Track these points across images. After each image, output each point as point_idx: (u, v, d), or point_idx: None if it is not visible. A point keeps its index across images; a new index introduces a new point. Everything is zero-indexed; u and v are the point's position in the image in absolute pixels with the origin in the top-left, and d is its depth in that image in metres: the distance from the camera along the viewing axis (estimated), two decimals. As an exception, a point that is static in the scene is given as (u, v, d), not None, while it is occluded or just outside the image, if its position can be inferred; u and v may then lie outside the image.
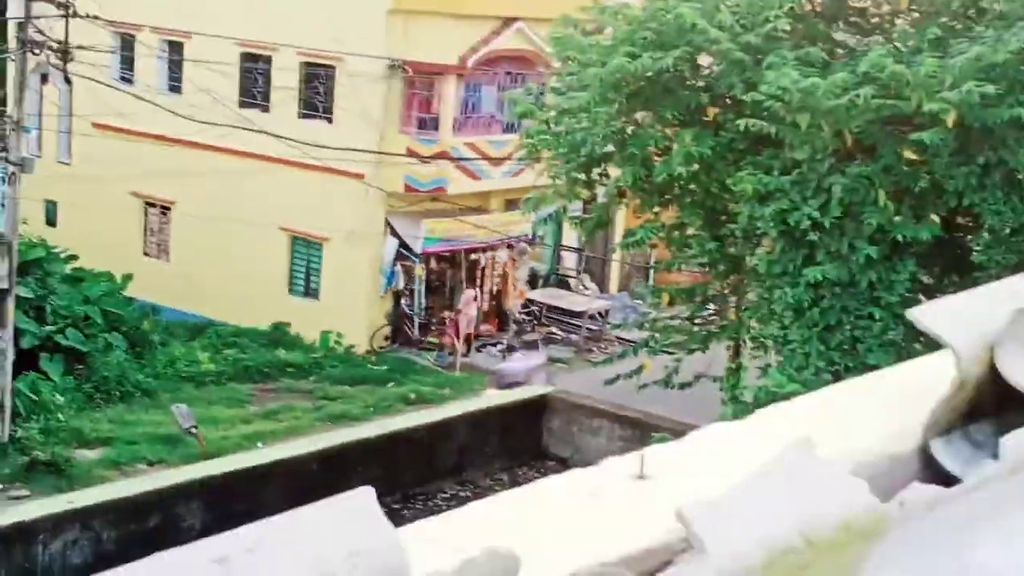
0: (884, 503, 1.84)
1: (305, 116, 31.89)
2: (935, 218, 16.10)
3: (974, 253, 16.90)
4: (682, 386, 20.12)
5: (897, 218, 15.97)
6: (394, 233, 31.61)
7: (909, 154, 15.83)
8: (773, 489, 1.74)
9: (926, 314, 2.22)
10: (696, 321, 20.99)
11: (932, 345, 2.38)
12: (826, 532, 1.72)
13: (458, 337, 31.33)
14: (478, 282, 33.28)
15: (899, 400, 2.47)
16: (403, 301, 32.17)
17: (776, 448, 1.87)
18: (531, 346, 18.01)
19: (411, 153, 31.16)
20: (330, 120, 31.61)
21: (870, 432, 2.31)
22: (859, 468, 2.09)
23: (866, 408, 2.49)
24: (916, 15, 17.37)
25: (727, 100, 17.90)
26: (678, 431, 15.56)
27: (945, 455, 2.27)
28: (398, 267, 31.74)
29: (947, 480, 2.14)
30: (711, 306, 21.35)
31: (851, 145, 16.10)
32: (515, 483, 15.88)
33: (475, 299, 32.08)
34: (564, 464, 16.65)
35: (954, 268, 17.31)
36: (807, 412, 2.43)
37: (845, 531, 1.75)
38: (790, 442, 1.86)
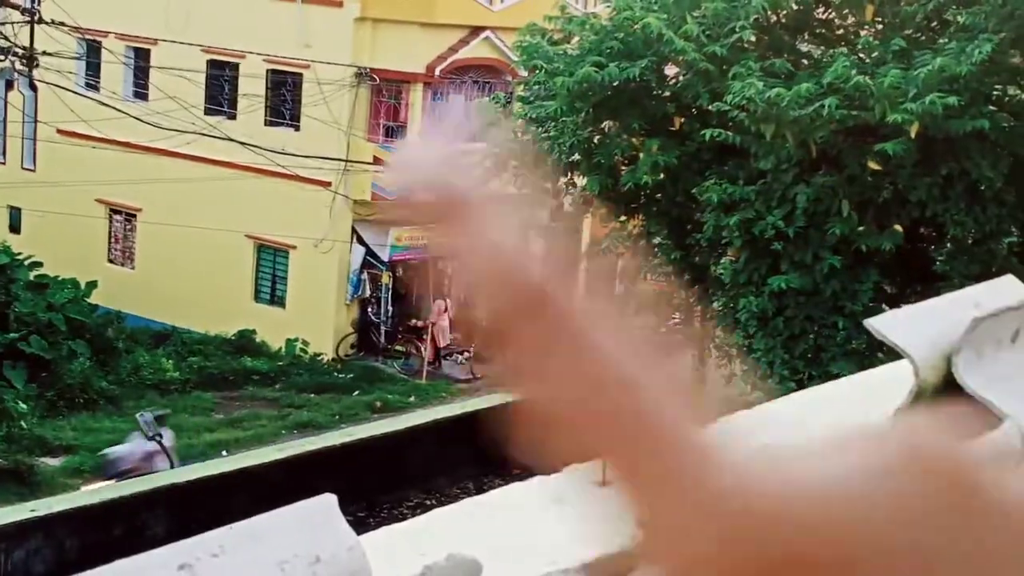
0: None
1: (272, 123, 31.82)
2: (898, 228, 16.22)
3: (937, 263, 17.04)
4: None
5: (861, 228, 16.09)
6: (361, 241, 31.57)
7: (873, 165, 15.95)
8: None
9: (884, 323, 2.25)
10: (661, 330, 21.05)
11: (895, 355, 2.41)
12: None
13: (433, 346, 31.30)
14: (445, 291, 33.26)
15: (859, 408, 2.50)
16: (369, 309, 32.12)
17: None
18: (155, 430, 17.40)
19: (378, 161, 31.11)
20: (297, 128, 31.55)
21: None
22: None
23: (826, 415, 2.52)
24: (880, 27, 17.50)
25: (693, 110, 17.99)
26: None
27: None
28: (365, 275, 31.71)
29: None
30: (676, 315, 21.42)
31: (815, 155, 16.21)
32: (482, 492, 15.90)
33: (445, 310, 32.06)
34: (531, 473, 16.70)
35: (917, 278, 17.44)
36: (768, 420, 2.46)
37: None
38: (749, 449, 1.89)
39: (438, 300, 32.10)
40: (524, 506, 1.89)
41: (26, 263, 28.38)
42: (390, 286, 32.04)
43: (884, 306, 16.35)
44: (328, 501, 1.36)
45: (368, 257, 31.60)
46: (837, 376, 15.37)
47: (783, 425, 2.46)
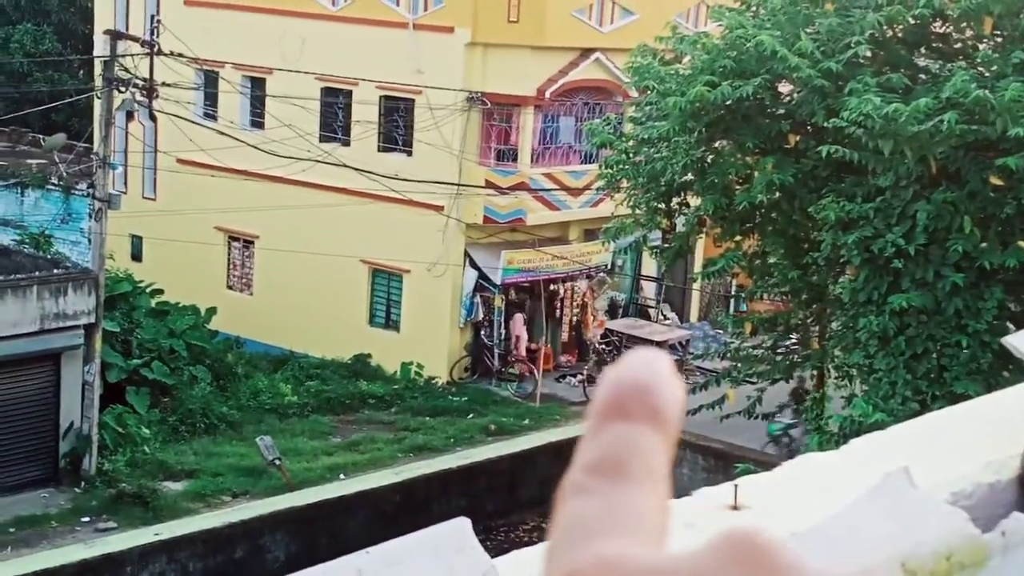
0: (985, 533, 1.81)
1: (385, 149, 32.16)
2: (1022, 244, 15.85)
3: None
4: (765, 416, 19.94)
5: (983, 244, 15.76)
6: (473, 264, 31.72)
7: (995, 180, 15.62)
8: (871, 519, 1.71)
9: (1022, 341, 2.19)
10: (779, 350, 20.81)
11: (1021, 374, 2.34)
12: (927, 563, 1.69)
13: (536, 365, 31.33)
14: (557, 313, 33.26)
15: (995, 429, 2.43)
16: (482, 332, 32.22)
17: (872, 478, 1.84)
18: None
19: (490, 184, 31.28)
20: (409, 153, 31.84)
21: (967, 462, 2.27)
22: (957, 498, 2.05)
23: (962, 438, 2.45)
24: (999, 40, 17.16)
25: (808, 127, 17.79)
26: (761, 462, 15.41)
27: (1046, 485, 2.22)
28: (477, 298, 31.82)
29: (1048, 510, 2.10)
30: (794, 335, 21.16)
31: (935, 171, 15.92)
32: (597, 514, 15.74)
33: (524, 322, 32.11)
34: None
35: (1043, 295, 17.02)
36: (902, 442, 2.39)
37: (946, 561, 1.72)
38: (887, 472, 1.83)
39: (517, 314, 32.08)
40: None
41: (148, 290, 29.00)
42: (503, 309, 32.12)
43: (1009, 324, 15.98)
44: (462, 525, 1.35)
45: (480, 280, 31.73)
46: (962, 396, 15.05)
47: (917, 447, 2.40)
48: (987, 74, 16.37)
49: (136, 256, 35.21)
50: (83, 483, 23.76)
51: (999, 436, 2.42)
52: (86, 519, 22.54)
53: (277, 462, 23.64)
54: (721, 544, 0.55)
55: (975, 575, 1.82)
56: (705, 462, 15.82)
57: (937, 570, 1.72)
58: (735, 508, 1.98)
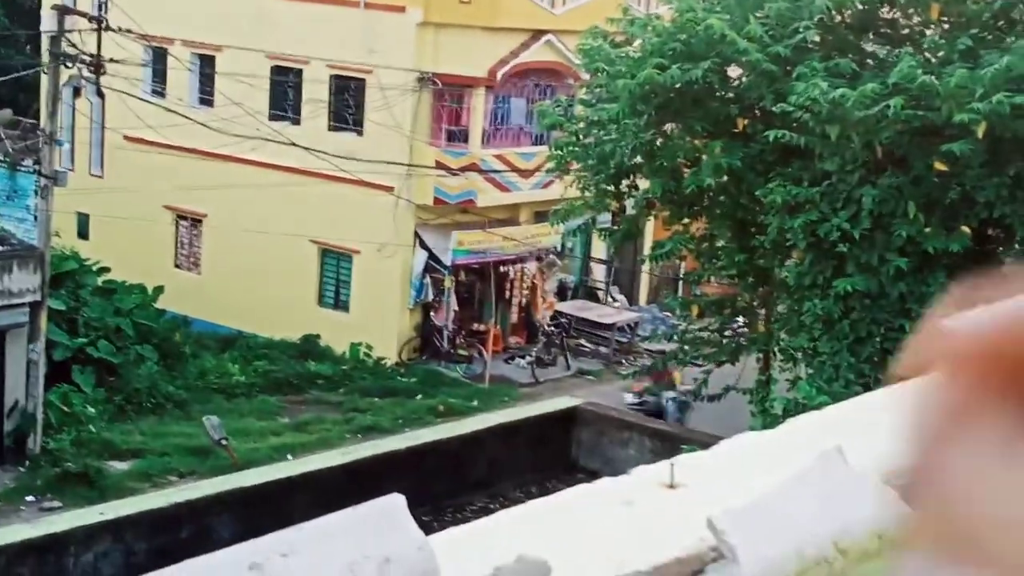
0: (916, 512, 1.84)
1: (335, 129, 32.00)
2: (966, 229, 16.02)
3: (1005, 264, 16.81)
4: (711, 398, 20.07)
5: (927, 230, 15.91)
6: (423, 245, 31.66)
7: (939, 165, 15.77)
8: (804, 498, 1.74)
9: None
10: (725, 333, 20.93)
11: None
12: (859, 540, 1.71)
13: (485, 347, 31.38)
14: (507, 294, 33.29)
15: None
16: (432, 313, 32.20)
17: (807, 457, 1.87)
18: None
19: (440, 165, 31.22)
20: (360, 132, 31.71)
21: (899, 441, 2.31)
22: (888, 477, 2.09)
23: (895, 418, 2.49)
24: (946, 26, 17.30)
25: (756, 111, 17.88)
26: (708, 443, 15.51)
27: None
28: (427, 279, 31.79)
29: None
30: (740, 318, 21.29)
31: (881, 156, 16.04)
32: (545, 495, 15.84)
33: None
34: (594, 476, 16.60)
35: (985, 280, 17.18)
36: (839, 422, 2.43)
37: (878, 539, 1.75)
38: (821, 451, 1.86)
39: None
40: (593, 508, 1.88)
41: (94, 269, 28.74)
42: (453, 290, 32.11)
43: (952, 308, 16.14)
44: (396, 502, 1.36)
45: (431, 261, 31.69)
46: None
47: (853, 427, 2.44)
48: (933, 60, 16.51)
49: (83, 234, 34.85)
50: (27, 462, 23.55)
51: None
52: (30, 498, 22.36)
53: (224, 442, 23.53)
54: None
55: (907, 554, 1.85)
56: (652, 444, 15.88)
57: (869, 548, 1.74)
58: (671, 486, 2.01)
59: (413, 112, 30.99)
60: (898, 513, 1.95)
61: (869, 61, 17.40)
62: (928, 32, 17.54)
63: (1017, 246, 17.06)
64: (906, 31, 18.12)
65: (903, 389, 2.48)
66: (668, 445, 16.10)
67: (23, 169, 28.49)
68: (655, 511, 1.91)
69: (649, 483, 2.00)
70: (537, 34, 32.08)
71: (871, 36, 18.20)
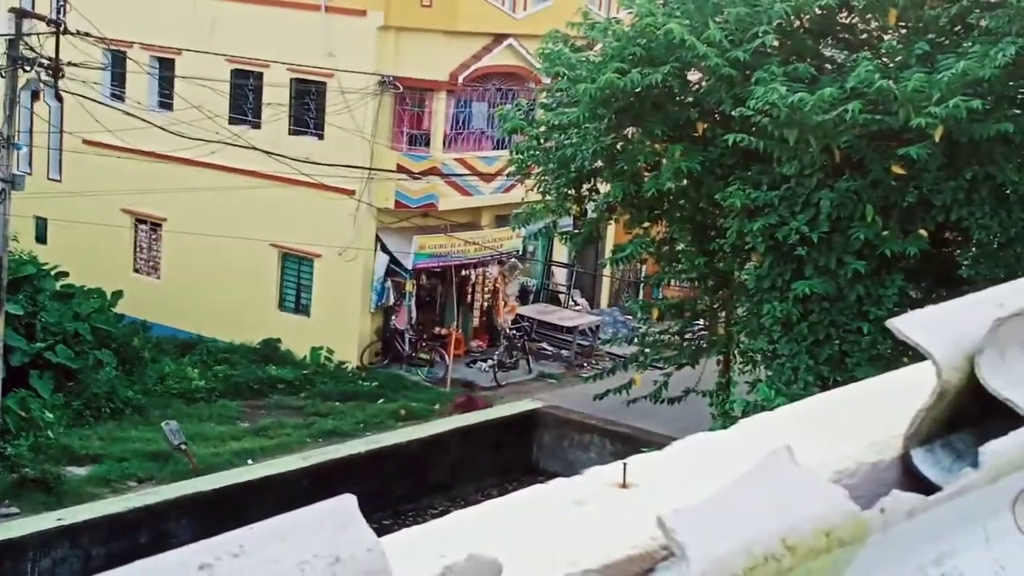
0: (865, 510, 1.86)
1: (296, 132, 31.93)
2: (923, 232, 16.15)
3: (962, 267, 16.97)
4: (671, 401, 20.14)
5: (885, 233, 16.02)
6: (384, 249, 31.63)
7: (897, 169, 15.89)
8: (753, 496, 1.75)
9: (907, 324, 2.24)
10: (685, 336, 21.02)
11: (919, 359, 2.40)
12: (807, 538, 1.73)
13: (447, 350, 31.37)
14: (468, 298, 33.30)
15: (881, 410, 2.49)
16: (393, 317, 32.17)
17: (758, 457, 1.88)
18: None
19: (401, 169, 31.20)
20: (321, 136, 31.66)
21: (851, 441, 2.33)
22: (840, 476, 2.11)
23: (848, 418, 2.51)
24: (904, 31, 17.44)
25: (716, 115, 17.96)
26: (667, 445, 15.58)
27: (926, 464, 2.29)
28: (388, 283, 31.76)
29: (928, 489, 2.16)
30: (700, 321, 21.38)
31: (839, 160, 16.15)
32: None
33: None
34: (554, 478, 16.65)
35: (942, 282, 17.36)
36: (789, 422, 2.45)
37: (825, 537, 1.77)
38: (770, 450, 1.88)
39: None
40: (545, 508, 1.89)
41: (52, 273, 28.56)
42: (414, 294, 32.09)
43: (909, 311, 16.27)
44: (347, 501, 1.37)
45: (392, 265, 31.66)
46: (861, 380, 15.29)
47: (805, 427, 2.46)
48: (891, 65, 16.63)
49: (41, 238, 34.61)
50: (-16, 468, 23.37)
51: (885, 417, 2.48)
52: (-13, 505, 22.19)
53: (183, 447, 23.40)
54: None
55: (854, 551, 1.87)
56: (612, 446, 15.93)
57: (817, 546, 1.76)
58: (623, 486, 2.02)
59: (374, 116, 30.97)
60: (846, 511, 1.97)
61: (827, 66, 17.52)
62: (886, 37, 17.68)
63: (974, 249, 17.21)
64: (864, 36, 18.26)
65: (859, 388, 2.50)
66: (629, 447, 16.18)
67: (-20, 173, 28.20)
68: (607, 510, 1.92)
69: (602, 483, 2.01)
70: (498, 38, 32.13)
71: (830, 41, 18.33)
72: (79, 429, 25.57)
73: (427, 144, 31.75)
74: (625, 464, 1.95)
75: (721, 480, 1.79)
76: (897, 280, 16.20)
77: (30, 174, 30.59)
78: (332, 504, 1.36)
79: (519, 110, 21.16)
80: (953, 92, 14.86)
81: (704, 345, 20.57)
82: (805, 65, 16.51)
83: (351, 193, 30.77)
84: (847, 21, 18.28)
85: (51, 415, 25.18)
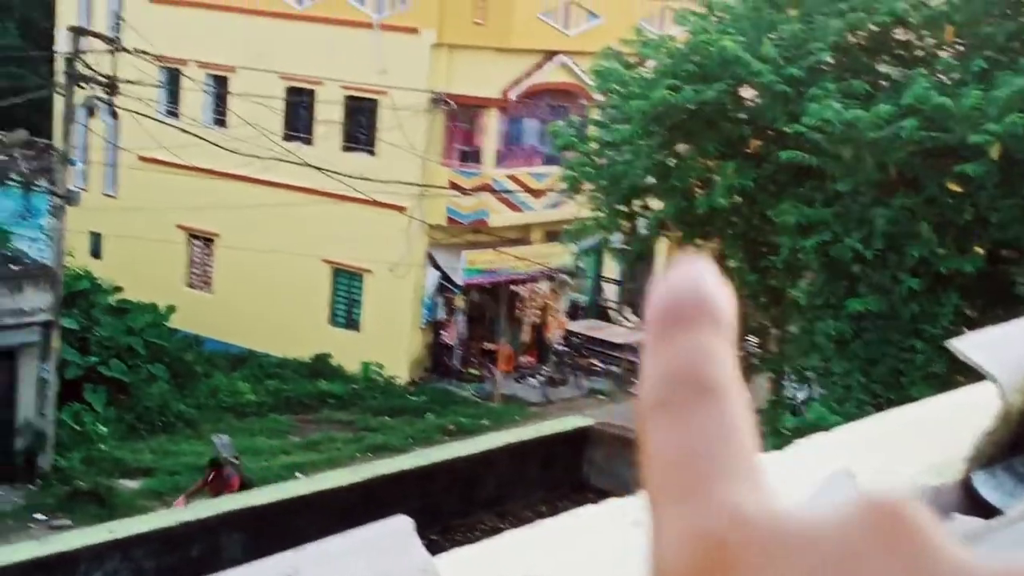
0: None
1: (348, 149, 32.07)
2: (979, 250, 15.98)
3: (1018, 285, 16.76)
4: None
5: (940, 250, 15.87)
6: (435, 265, 31.68)
7: (953, 186, 15.74)
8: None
9: (967, 344, 2.21)
10: (738, 353, 20.90)
11: (975, 378, 2.36)
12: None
13: (496, 366, 31.36)
14: (518, 314, 33.28)
15: (941, 432, 2.45)
16: (443, 332, 32.19)
17: (816, 478, 1.85)
18: None
19: (453, 185, 31.26)
20: (373, 153, 31.77)
21: (911, 464, 2.29)
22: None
23: (907, 439, 2.47)
24: (960, 48, 17.29)
25: (769, 132, 17.86)
26: (720, 464, 15.40)
27: (987, 487, 2.24)
28: (439, 299, 31.80)
29: (989, 512, 2.12)
30: (752, 338, 21.24)
31: (894, 177, 16.02)
32: (555, 515, 15.80)
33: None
34: (605, 496, 16.57)
35: (998, 301, 17.15)
36: (847, 443, 2.41)
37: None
38: (830, 472, 1.85)
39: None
40: (601, 529, 1.87)
41: (107, 288, 28.80)
42: (464, 310, 32.11)
43: (964, 329, 16.07)
44: (403, 523, 1.35)
45: (442, 281, 31.70)
46: (917, 400, 15.12)
47: (864, 449, 2.42)
48: (947, 82, 16.49)
49: (96, 253, 34.94)
50: (38, 480, 23.57)
51: (944, 439, 2.44)
52: (41, 516, 22.37)
53: (234, 461, 23.51)
54: (865, 512, 0.52)
55: None
56: (663, 464, 15.78)
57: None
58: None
59: (426, 132, 31.06)
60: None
61: (883, 83, 17.40)
62: (942, 54, 17.54)
63: (1030, 267, 17.00)
64: (920, 53, 18.12)
65: (918, 408, 2.45)
66: (680, 466, 16.07)
67: (37, 189, 28.56)
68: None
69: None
70: (550, 55, 32.13)
71: (885, 58, 18.19)
72: (131, 442, 25.75)
73: (479, 161, 31.79)
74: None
75: (779, 501, 1.76)
76: (953, 298, 16.03)
77: (86, 190, 30.96)
78: (387, 525, 1.35)
79: (571, 127, 21.15)
80: (1011, 109, 14.72)
81: (755, 362, 20.44)
82: (860, 82, 16.41)
83: (403, 209, 30.86)
84: (903, 38, 18.14)
85: (104, 428, 25.38)
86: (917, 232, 15.76)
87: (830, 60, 16.94)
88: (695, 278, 0.61)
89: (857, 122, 15.00)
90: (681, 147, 18.70)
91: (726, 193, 17.18)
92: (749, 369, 20.19)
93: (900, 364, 16.22)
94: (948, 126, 15.12)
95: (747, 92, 18.08)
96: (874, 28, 17.44)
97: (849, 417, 15.02)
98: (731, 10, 18.22)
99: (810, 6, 17.38)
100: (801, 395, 18.61)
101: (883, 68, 18.10)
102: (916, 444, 2.45)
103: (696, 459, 0.54)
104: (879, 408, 15.55)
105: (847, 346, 16.36)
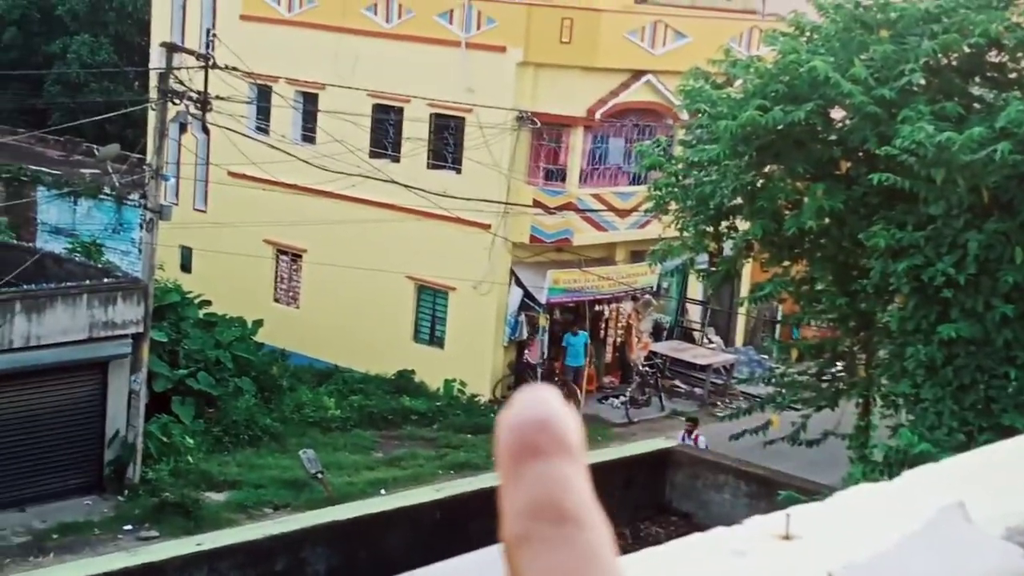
0: (1041, 571, 1.77)
1: (434, 166, 32.26)
2: (1075, 277, 15.65)
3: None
4: (809, 443, 19.76)
5: (1035, 276, 15.57)
6: (519, 283, 31.72)
7: (1048, 211, 15.45)
8: (925, 553, 1.68)
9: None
10: (824, 377, 20.62)
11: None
12: (981, 600, 1.65)
13: (579, 386, 31.29)
14: (601, 334, 33.20)
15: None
16: (526, 351, 32.20)
17: (926, 511, 1.81)
18: None
19: (537, 204, 31.30)
20: (458, 170, 31.92)
21: (1022, 496, 2.23)
22: (1012, 533, 2.01)
23: (1016, 471, 2.41)
24: (1056, 69, 16.99)
25: (860, 154, 17.66)
26: (805, 489, 15.31)
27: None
28: (522, 317, 31.82)
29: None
30: (840, 363, 20.96)
31: (987, 201, 15.75)
32: (638, 538, 15.73)
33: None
34: (687, 519, 16.43)
35: (1095, 328, 16.80)
36: (956, 474, 2.35)
37: (1001, 600, 1.68)
38: (941, 505, 1.80)
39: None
40: (704, 559, 1.84)
41: (196, 301, 29.18)
42: (547, 328, 32.10)
43: (1060, 357, 15.78)
44: (495, 553, 1.33)
45: (526, 299, 31.73)
46: (1009, 428, 14.84)
47: (972, 480, 2.36)
48: (1043, 105, 16.18)
49: (185, 267, 35.46)
50: (127, 491, 23.91)
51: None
52: (128, 527, 22.69)
53: (319, 475, 23.69)
54: None
55: (1029, 613, 1.78)
56: (748, 488, 15.68)
57: (991, 607, 1.68)
58: (786, 537, 1.96)
59: (511, 150, 31.15)
60: (1020, 570, 1.88)
61: (976, 105, 17.12)
62: (1037, 76, 17.24)
63: None
64: (1014, 75, 17.82)
65: (1019, 442, 2.40)
66: (764, 489, 15.93)
67: (129, 203, 29.10)
68: (769, 563, 1.86)
69: (762, 533, 1.94)
70: (637, 74, 32.10)
71: (978, 80, 17.91)
72: (218, 455, 26.03)
73: (563, 179, 31.81)
74: (788, 515, 1.89)
75: (888, 534, 1.72)
76: (1047, 325, 15.72)
77: (176, 204, 31.43)
78: (488, 552, 1.34)
79: (657, 146, 21.05)
80: (1109, 132, 14.42)
81: (843, 387, 20.17)
82: (953, 104, 16.16)
83: (487, 227, 30.95)
84: (997, 60, 17.86)
85: (191, 441, 25.70)
86: (1011, 257, 15.48)
87: (922, 82, 16.70)
88: (540, 406, 0.59)
89: (949, 144, 14.77)
90: (769, 168, 18.54)
91: (815, 214, 16.99)
92: (837, 394, 19.96)
93: (992, 391, 15.91)
94: (1044, 149, 14.85)
95: (837, 113, 17.88)
96: (967, 50, 17.17)
97: (939, 444, 14.78)
98: (821, 30, 18.04)
99: (902, 27, 17.16)
100: (889, 422, 18.34)
101: (976, 90, 17.81)
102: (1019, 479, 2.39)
103: None
104: (970, 435, 15.31)
105: (938, 372, 16.08)
